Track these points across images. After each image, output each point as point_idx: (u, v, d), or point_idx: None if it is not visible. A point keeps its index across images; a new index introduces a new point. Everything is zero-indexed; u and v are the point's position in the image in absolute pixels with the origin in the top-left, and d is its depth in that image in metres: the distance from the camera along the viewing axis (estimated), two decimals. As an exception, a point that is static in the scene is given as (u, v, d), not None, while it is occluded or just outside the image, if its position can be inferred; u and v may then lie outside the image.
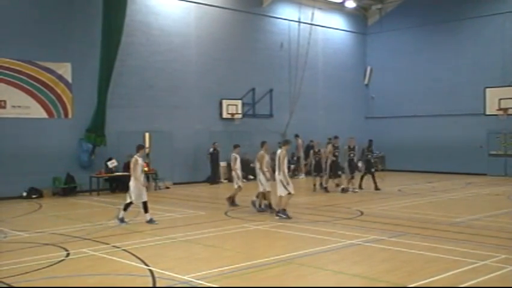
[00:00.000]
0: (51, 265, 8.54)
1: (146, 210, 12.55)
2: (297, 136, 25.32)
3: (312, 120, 27.45)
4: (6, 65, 18.07)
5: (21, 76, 18.38)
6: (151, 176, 20.93)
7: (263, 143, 14.36)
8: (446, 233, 11.03)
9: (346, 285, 7.36)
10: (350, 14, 29.78)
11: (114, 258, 9.07)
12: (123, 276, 7.98)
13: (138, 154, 12.63)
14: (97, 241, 10.49)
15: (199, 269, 8.16)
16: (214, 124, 23.85)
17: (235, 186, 15.30)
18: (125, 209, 12.59)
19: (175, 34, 22.60)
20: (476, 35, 26.11)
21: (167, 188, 21.06)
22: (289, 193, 12.92)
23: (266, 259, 8.80)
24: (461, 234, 10.80)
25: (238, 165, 15.35)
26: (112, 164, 19.56)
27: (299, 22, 26.27)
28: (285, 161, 12.96)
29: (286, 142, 13.52)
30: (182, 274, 7.87)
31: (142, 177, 12.59)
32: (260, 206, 14.35)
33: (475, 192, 18.73)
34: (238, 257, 9.09)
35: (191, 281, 7.58)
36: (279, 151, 13.17)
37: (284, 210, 13.02)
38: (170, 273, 7.93)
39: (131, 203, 12.51)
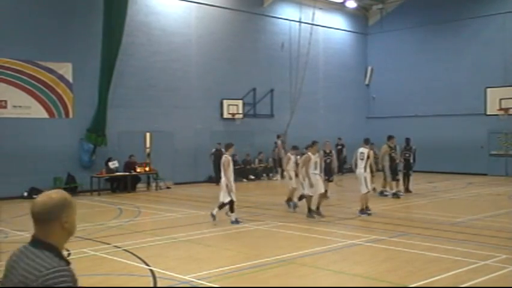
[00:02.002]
0: (52, 265, 8.54)
1: (232, 210, 12.31)
2: (278, 137, 24.94)
3: (313, 120, 27.43)
4: (7, 65, 18.08)
5: (22, 76, 18.38)
6: (151, 176, 20.95)
7: (313, 143, 13.26)
8: (447, 233, 11.03)
9: (347, 285, 7.36)
10: (350, 14, 29.78)
11: (115, 258, 9.08)
12: (124, 276, 7.99)
13: (228, 153, 12.51)
14: (98, 241, 10.50)
15: (200, 269, 8.16)
16: (215, 124, 23.85)
17: (290, 188, 14.86)
18: (220, 208, 12.38)
19: (175, 34, 22.61)
20: (476, 35, 26.09)
21: (168, 188, 21.06)
22: (369, 191, 13.60)
23: (267, 259, 8.80)
24: (462, 234, 10.80)
25: (291, 165, 14.90)
26: (113, 164, 19.53)
27: (300, 22, 26.26)
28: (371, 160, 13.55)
29: (367, 141, 13.94)
30: (183, 274, 7.88)
31: (232, 177, 12.37)
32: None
33: (475, 192, 18.72)
34: (239, 257, 9.10)
35: (192, 281, 7.59)
36: (361, 149, 13.71)
37: (367, 208, 13.43)
38: (171, 273, 7.94)
39: (231, 200, 12.24)
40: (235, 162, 24.12)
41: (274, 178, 24.42)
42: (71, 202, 2.52)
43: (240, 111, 24.16)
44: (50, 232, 2.47)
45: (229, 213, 12.40)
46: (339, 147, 25.42)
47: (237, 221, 12.30)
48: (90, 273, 8.13)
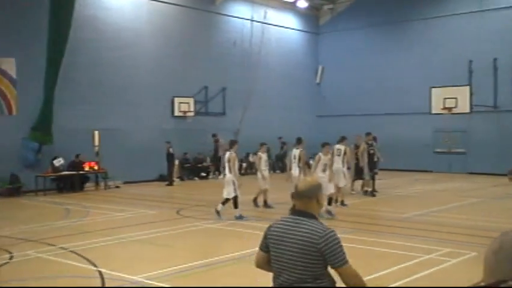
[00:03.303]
0: (-7, 268, 8.19)
1: (236, 206, 12.39)
2: (214, 135, 24.42)
3: (265, 118, 27.54)
4: None
5: (-38, 71, 17.53)
6: (100, 175, 20.45)
7: (325, 145, 13.02)
8: (394, 228, 11.35)
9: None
10: (302, 14, 30.12)
11: (61, 260, 8.80)
12: (69, 278, 7.75)
13: (233, 150, 12.58)
14: (43, 242, 10.14)
15: (150, 269, 8.04)
16: (166, 122, 23.54)
17: (262, 188, 14.27)
18: (224, 203, 12.49)
19: (126, 30, 22.14)
20: (422, 36, 26.97)
21: (118, 187, 20.61)
22: (346, 185, 14.96)
23: (218, 257, 8.78)
24: (408, 230, 11.13)
25: (263, 164, 14.37)
26: (58, 162, 18.88)
27: (252, 21, 26.33)
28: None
29: (343, 138, 14.57)
30: (133, 274, 7.74)
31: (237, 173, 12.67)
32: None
33: (421, 189, 19.36)
34: (191, 256, 9.02)
35: (142, 281, 7.46)
36: (337, 146, 14.44)
37: (342, 201, 14.41)
38: (120, 274, 7.77)
39: (236, 196, 12.34)
40: (186, 161, 24.02)
41: (220, 177, 24.07)
42: (321, 185, 3.65)
43: (192, 109, 23.96)
44: (310, 206, 3.48)
45: (234, 209, 12.50)
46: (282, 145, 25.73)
47: (241, 217, 12.30)
48: (34, 275, 7.85)
